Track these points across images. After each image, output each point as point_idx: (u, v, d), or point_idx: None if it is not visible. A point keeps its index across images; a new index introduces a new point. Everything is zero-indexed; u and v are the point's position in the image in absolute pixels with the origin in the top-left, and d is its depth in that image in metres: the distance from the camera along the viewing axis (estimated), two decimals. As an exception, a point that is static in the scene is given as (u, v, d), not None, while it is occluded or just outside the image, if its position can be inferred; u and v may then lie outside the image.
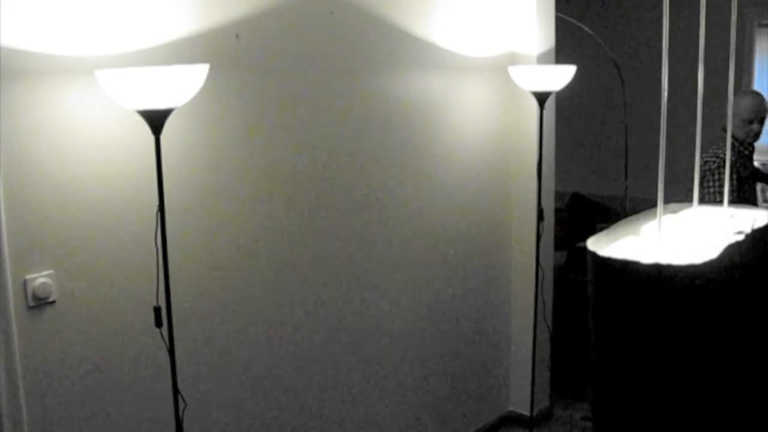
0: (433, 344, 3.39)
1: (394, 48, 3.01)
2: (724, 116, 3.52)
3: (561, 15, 3.84)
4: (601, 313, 1.59)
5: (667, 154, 1.95)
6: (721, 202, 3.51)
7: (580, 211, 5.85)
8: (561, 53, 3.71)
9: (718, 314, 1.57)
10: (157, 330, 2.15)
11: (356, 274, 2.98)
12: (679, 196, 3.63)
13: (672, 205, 1.91)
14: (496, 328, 3.75)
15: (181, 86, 1.95)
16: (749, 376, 1.76)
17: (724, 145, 3.72)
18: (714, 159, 3.78)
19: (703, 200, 3.71)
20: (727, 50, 2.55)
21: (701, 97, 2.16)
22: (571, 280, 4.35)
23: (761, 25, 5.63)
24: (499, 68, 3.50)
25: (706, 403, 1.58)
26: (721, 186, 3.66)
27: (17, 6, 1.96)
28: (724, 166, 3.67)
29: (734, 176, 3.78)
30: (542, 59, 3.57)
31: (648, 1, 5.64)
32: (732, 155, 3.71)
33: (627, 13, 5.91)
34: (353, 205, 2.93)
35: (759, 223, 1.76)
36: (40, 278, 2.08)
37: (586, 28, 4.46)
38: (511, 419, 3.88)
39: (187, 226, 2.40)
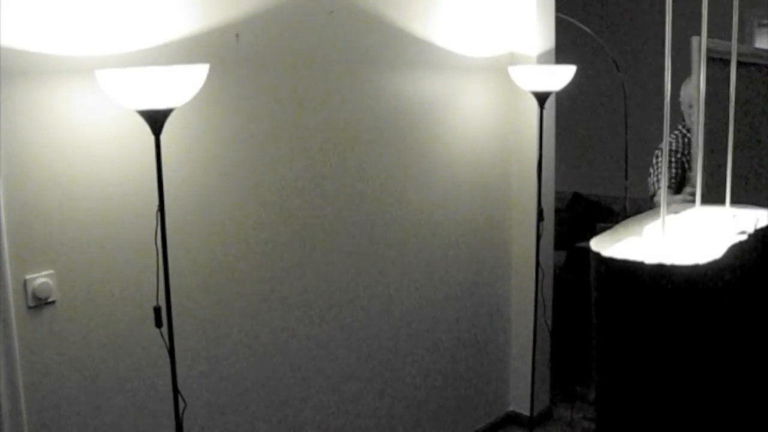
0: (433, 344, 3.39)
1: (394, 48, 3.01)
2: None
3: (561, 15, 3.84)
4: (605, 314, 1.58)
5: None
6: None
7: (580, 211, 5.85)
8: (561, 53, 3.71)
9: (722, 314, 1.57)
10: (157, 330, 2.15)
11: (356, 273, 2.98)
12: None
13: (674, 206, 1.91)
14: (496, 328, 3.75)
15: (181, 86, 1.95)
16: (754, 376, 1.75)
17: (674, 135, 3.61)
18: (659, 151, 3.63)
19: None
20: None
21: (703, 97, 2.16)
22: (571, 280, 4.35)
23: (761, 25, 5.63)
24: (499, 68, 3.50)
25: (710, 404, 1.58)
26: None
27: (17, 6, 1.96)
28: (673, 153, 3.55)
29: (675, 165, 3.57)
30: (542, 59, 3.57)
31: (648, 1, 5.64)
32: (677, 144, 3.58)
33: (627, 13, 5.91)
34: (353, 205, 2.93)
35: (762, 223, 1.76)
36: (40, 278, 2.07)
37: (586, 28, 4.46)
38: (511, 419, 3.88)
39: (187, 226, 2.40)
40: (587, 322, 1.72)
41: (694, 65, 2.95)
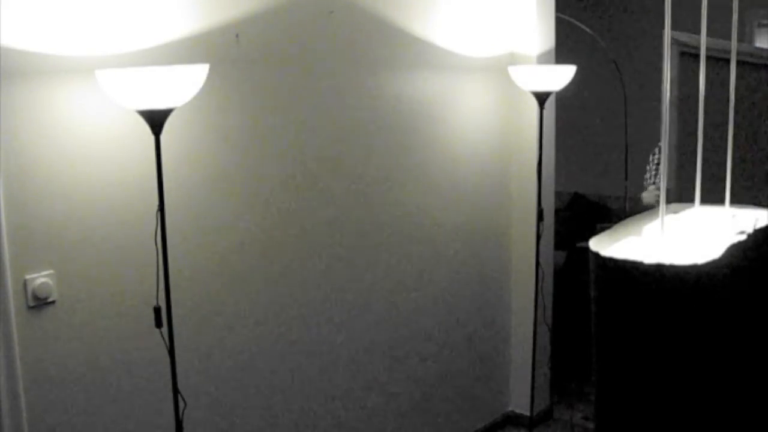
0: (434, 344, 3.39)
1: (394, 48, 3.01)
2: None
3: (561, 15, 3.84)
4: (604, 314, 1.59)
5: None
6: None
7: (580, 211, 5.85)
8: (561, 53, 3.71)
9: (721, 314, 1.57)
10: (157, 330, 2.15)
11: (356, 273, 2.98)
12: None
13: (673, 205, 1.91)
14: (496, 328, 3.75)
15: (181, 86, 1.95)
16: (752, 376, 1.76)
17: None
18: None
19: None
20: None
21: (702, 97, 2.16)
22: (571, 280, 4.34)
23: (761, 25, 5.63)
24: (499, 68, 3.50)
25: (709, 404, 1.58)
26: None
27: (17, 6, 1.96)
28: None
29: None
30: (542, 59, 3.57)
31: (648, 2, 5.64)
32: None
33: (627, 13, 5.91)
34: (353, 205, 2.93)
35: (761, 223, 1.76)
36: (40, 278, 2.07)
37: (586, 28, 4.46)
38: (511, 419, 3.88)
39: (187, 226, 2.40)
40: (587, 322, 1.72)
41: (665, 60, 2.91)
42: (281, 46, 2.61)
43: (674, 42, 2.94)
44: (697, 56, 2.93)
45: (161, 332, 2.15)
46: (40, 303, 2.08)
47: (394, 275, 3.14)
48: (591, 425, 3.85)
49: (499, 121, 3.60)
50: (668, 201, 2.90)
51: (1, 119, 1.96)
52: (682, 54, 2.96)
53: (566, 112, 4.16)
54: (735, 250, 1.59)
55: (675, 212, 1.85)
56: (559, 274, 4.15)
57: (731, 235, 1.67)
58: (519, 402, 3.86)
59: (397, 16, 2.99)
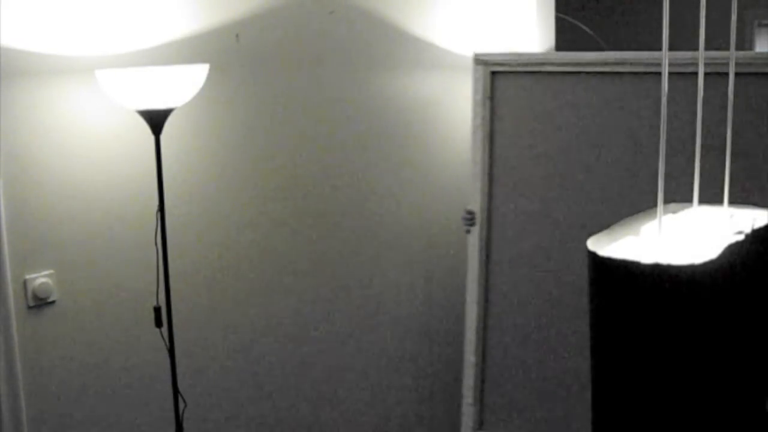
0: (433, 344, 3.39)
1: (394, 48, 3.02)
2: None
3: (561, 15, 3.84)
4: (600, 314, 1.59)
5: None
6: None
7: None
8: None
9: (718, 314, 1.57)
10: (157, 330, 2.16)
11: (355, 273, 2.98)
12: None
13: (672, 205, 1.91)
14: (496, 328, 3.75)
15: (181, 86, 1.96)
16: (750, 376, 1.76)
17: None
18: None
19: None
20: (727, 50, 2.55)
21: (701, 97, 2.16)
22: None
23: (761, 25, 5.63)
24: (499, 68, 3.50)
25: (705, 403, 1.58)
26: None
27: (17, 6, 1.97)
28: None
29: None
30: (542, 59, 3.57)
31: (648, 1, 5.64)
32: None
33: (627, 13, 5.91)
34: (353, 205, 2.93)
35: (759, 223, 1.76)
36: (40, 278, 2.08)
37: (586, 28, 4.46)
38: (511, 419, 3.88)
39: (187, 226, 2.40)
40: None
41: (475, 82, 2.81)
42: (281, 46, 2.61)
43: (481, 62, 2.83)
44: (511, 73, 2.80)
45: (161, 332, 2.15)
46: (40, 303, 2.09)
47: (393, 274, 3.15)
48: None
49: (499, 121, 3.60)
50: (473, 225, 2.82)
51: (1, 119, 1.96)
52: (494, 73, 2.83)
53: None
54: (732, 250, 1.59)
55: (673, 212, 1.85)
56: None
57: (729, 235, 1.67)
58: (519, 402, 3.86)
59: (397, 16, 3.00)
